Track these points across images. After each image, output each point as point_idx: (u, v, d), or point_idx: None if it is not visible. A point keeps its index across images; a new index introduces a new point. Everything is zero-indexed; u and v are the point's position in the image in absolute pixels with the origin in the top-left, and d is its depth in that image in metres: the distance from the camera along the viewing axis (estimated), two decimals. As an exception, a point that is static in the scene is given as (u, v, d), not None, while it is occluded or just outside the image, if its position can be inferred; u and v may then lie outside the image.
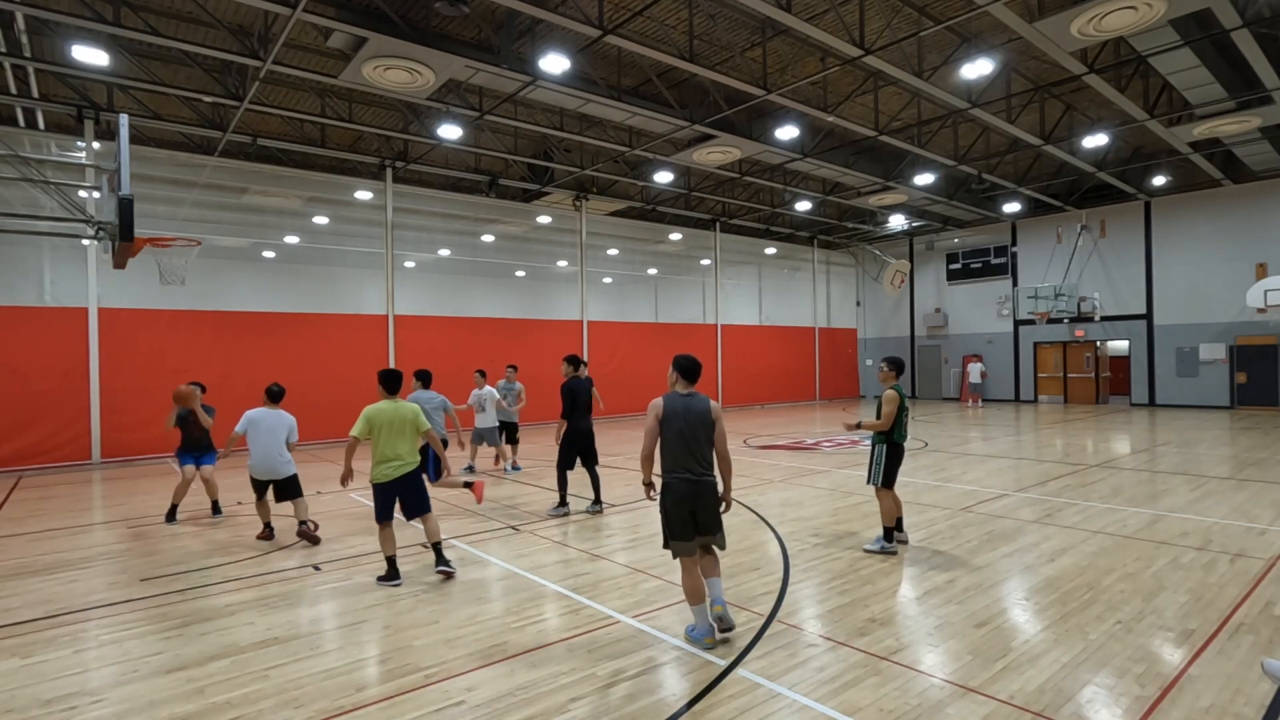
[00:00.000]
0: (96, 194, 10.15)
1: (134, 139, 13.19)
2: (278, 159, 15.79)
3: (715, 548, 4.40)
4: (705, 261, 24.45)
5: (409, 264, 17.75)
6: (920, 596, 5.04)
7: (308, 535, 6.88)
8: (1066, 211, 23.05)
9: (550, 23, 10.43)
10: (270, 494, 7.07)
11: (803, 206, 22.27)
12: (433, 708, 3.50)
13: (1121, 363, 24.19)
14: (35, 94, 12.07)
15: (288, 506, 7.55)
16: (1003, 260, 25.66)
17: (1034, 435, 15.25)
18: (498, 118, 13.77)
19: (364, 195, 16.95)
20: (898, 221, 25.24)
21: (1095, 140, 15.89)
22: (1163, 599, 4.87)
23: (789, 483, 9.82)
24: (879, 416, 6.28)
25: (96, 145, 13.02)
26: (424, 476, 5.98)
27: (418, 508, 5.77)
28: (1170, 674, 3.74)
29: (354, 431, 5.58)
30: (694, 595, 4.25)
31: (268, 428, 6.92)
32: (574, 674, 3.84)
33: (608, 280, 22.14)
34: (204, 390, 8.26)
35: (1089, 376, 23.78)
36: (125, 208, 6.16)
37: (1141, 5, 9.55)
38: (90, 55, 10.62)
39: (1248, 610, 4.63)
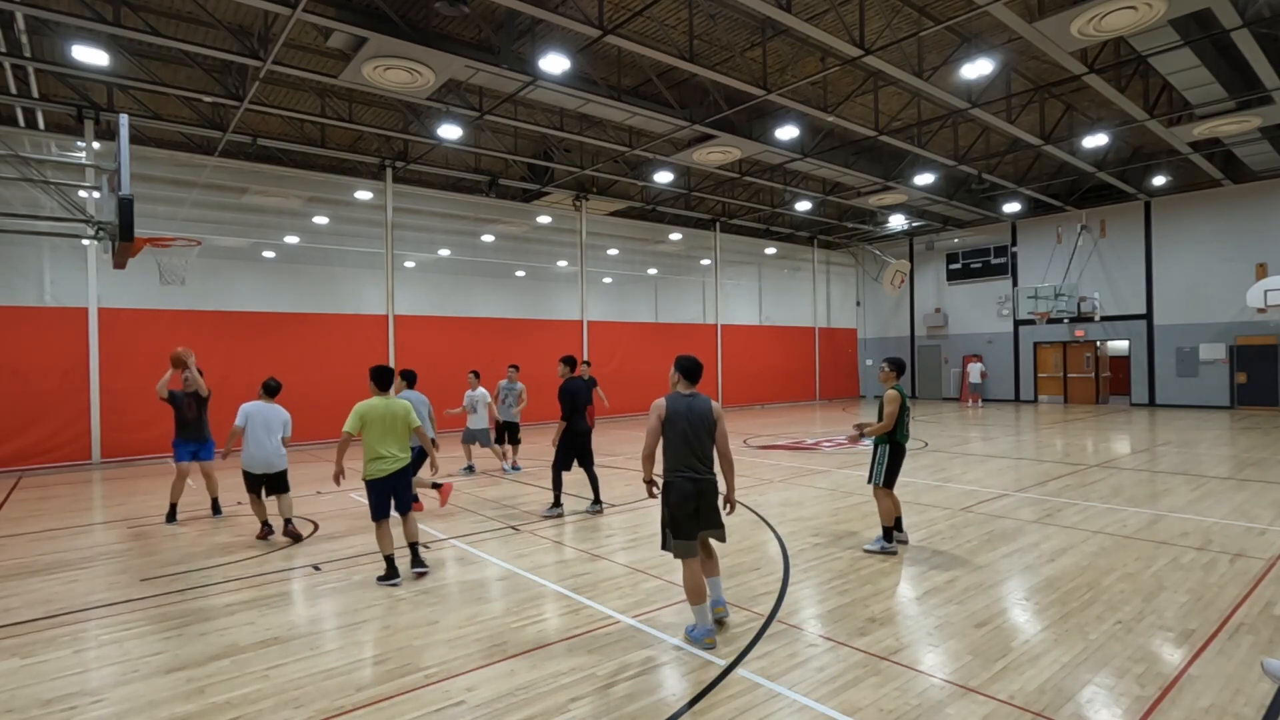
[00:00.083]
0: (96, 194, 10.15)
1: (134, 139, 13.19)
2: (278, 159, 15.80)
3: (715, 545, 4.48)
4: (705, 261, 24.45)
5: (409, 264, 17.75)
6: (920, 596, 5.04)
7: (293, 533, 6.95)
8: (1066, 211, 23.06)
9: (550, 23, 10.43)
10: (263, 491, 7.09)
11: (803, 206, 22.27)
12: (433, 708, 3.50)
13: (1121, 363, 24.20)
14: (35, 94, 12.07)
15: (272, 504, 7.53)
16: (1003, 260, 25.66)
17: (1034, 435, 15.25)
18: (498, 118, 13.77)
19: (364, 195, 16.95)
20: (898, 221, 25.24)
21: (1095, 140, 15.89)
22: (1163, 599, 4.87)
23: (789, 483, 9.82)
24: (881, 418, 6.28)
25: (96, 145, 13.02)
26: None
27: (405, 506, 5.80)
28: (1170, 674, 3.74)
29: (346, 428, 5.56)
30: (696, 594, 4.26)
31: (264, 421, 6.96)
32: (574, 674, 3.84)
33: (608, 280, 22.15)
34: (200, 374, 8.24)
35: (1089, 376, 23.78)
36: (125, 208, 6.16)
37: (1141, 5, 9.55)
38: (90, 55, 10.63)
39: (1248, 610, 4.63)
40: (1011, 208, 22.63)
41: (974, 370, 25.43)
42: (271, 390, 7.17)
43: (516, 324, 19.15)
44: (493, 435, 11.14)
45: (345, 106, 14.09)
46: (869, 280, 29.78)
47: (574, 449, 7.95)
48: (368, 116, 14.73)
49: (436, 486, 8.16)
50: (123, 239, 6.19)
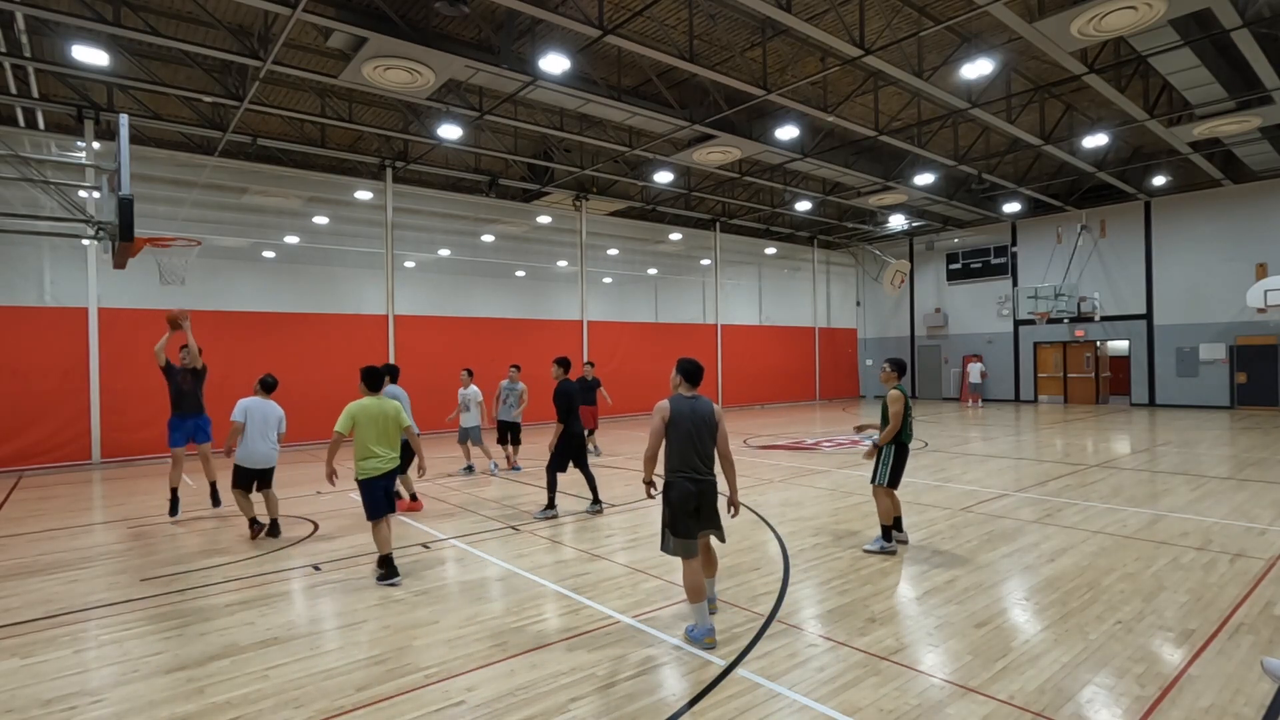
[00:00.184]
0: (96, 194, 10.15)
1: (134, 139, 13.19)
2: (278, 159, 15.80)
3: (715, 544, 4.55)
4: (705, 261, 24.45)
5: (409, 264, 17.75)
6: (920, 596, 5.04)
7: (276, 530, 7.07)
8: (1066, 211, 23.05)
9: (550, 23, 10.43)
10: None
11: (803, 206, 22.27)
12: (433, 708, 3.50)
13: (1121, 363, 24.20)
14: (35, 94, 12.07)
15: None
16: (1003, 260, 25.66)
17: (1034, 435, 15.25)
18: (498, 118, 13.77)
19: (364, 195, 16.95)
20: (898, 221, 25.24)
21: (1095, 140, 15.89)
22: (1163, 599, 4.87)
23: (789, 483, 9.82)
24: (885, 419, 6.27)
25: (96, 145, 13.02)
26: None
27: (391, 506, 5.81)
28: (1170, 674, 3.74)
29: (338, 428, 5.57)
30: (695, 593, 4.29)
31: (262, 417, 7.00)
32: (574, 674, 3.84)
33: (608, 280, 22.15)
34: (200, 352, 8.22)
35: (1089, 376, 23.78)
36: (125, 208, 6.16)
37: (1141, 5, 9.55)
38: (90, 55, 10.62)
39: (1248, 610, 4.63)
40: (1011, 208, 22.63)
41: (974, 370, 25.43)
42: (269, 386, 7.18)
43: (516, 324, 19.15)
44: (495, 435, 11.13)
45: (345, 106, 14.09)
46: (869, 280, 29.78)
47: (569, 451, 7.95)
48: (368, 116, 14.73)
49: (414, 498, 8.27)
50: (123, 239, 6.19)
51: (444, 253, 18.70)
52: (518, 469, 11.29)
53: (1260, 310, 18.61)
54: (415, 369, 16.79)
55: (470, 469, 11.19)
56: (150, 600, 5.24)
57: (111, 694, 3.72)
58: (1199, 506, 7.84)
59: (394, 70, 11.11)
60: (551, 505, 7.89)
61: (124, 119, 6.52)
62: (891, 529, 6.30)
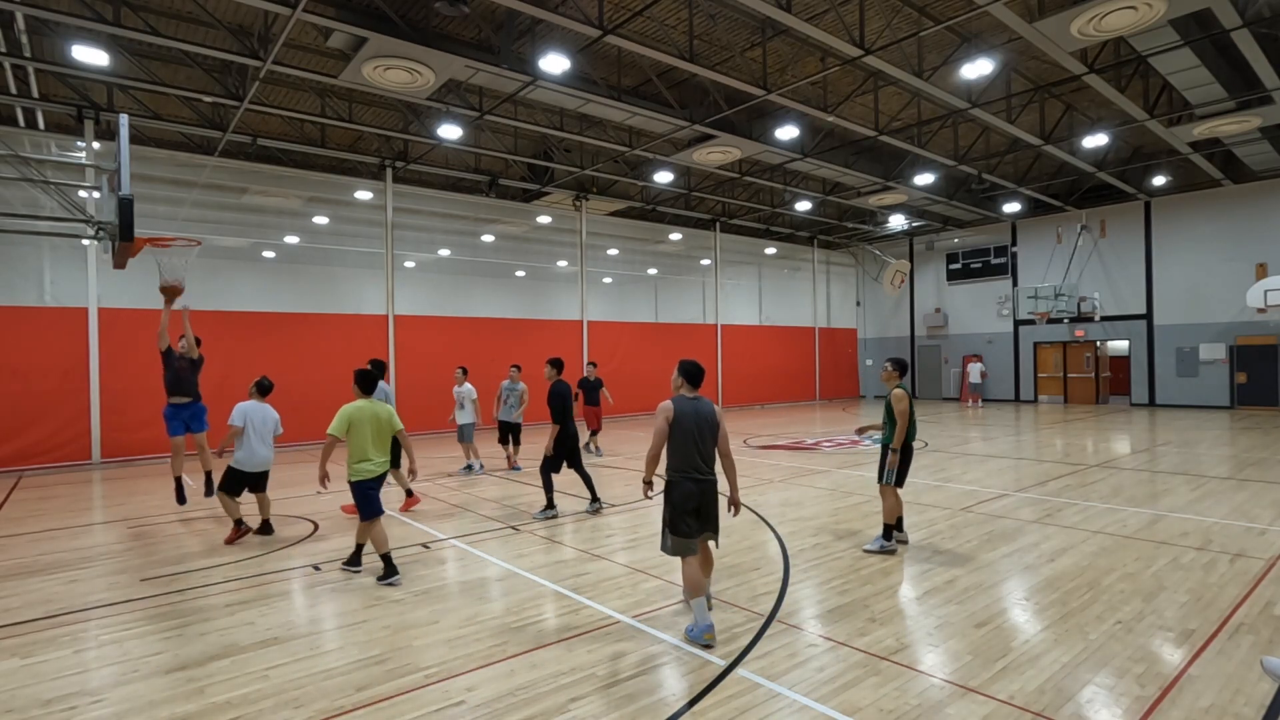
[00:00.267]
0: (96, 194, 10.14)
1: (134, 139, 13.20)
2: (278, 159, 15.79)
3: (711, 546, 4.63)
4: (705, 261, 24.44)
5: (409, 264, 17.75)
6: (920, 596, 5.04)
7: (269, 529, 7.11)
8: (1066, 211, 23.05)
9: (550, 23, 10.43)
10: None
11: (803, 206, 22.27)
12: (433, 708, 3.50)
13: (1121, 363, 24.20)
14: (35, 94, 12.07)
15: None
16: (1003, 260, 25.66)
17: (1034, 435, 15.25)
18: (498, 118, 13.77)
19: (364, 195, 16.95)
20: (898, 221, 25.24)
21: (1095, 140, 15.89)
22: (1163, 599, 4.87)
23: (789, 483, 9.82)
24: (890, 420, 6.27)
25: (96, 145, 13.02)
26: None
27: (381, 507, 5.85)
28: (1170, 674, 3.74)
29: (333, 430, 5.56)
30: (695, 588, 4.34)
31: (260, 421, 6.99)
32: (574, 674, 3.84)
33: (608, 280, 22.15)
34: (198, 342, 8.16)
35: (1089, 376, 23.78)
36: (125, 208, 6.15)
37: (1141, 5, 9.55)
38: (90, 55, 10.63)
39: (1248, 610, 4.63)
40: (1011, 208, 22.63)
41: (974, 370, 25.43)
42: (266, 390, 7.17)
43: (516, 324, 19.15)
44: (495, 435, 11.12)
45: (345, 106, 14.08)
46: (869, 280, 29.78)
47: (564, 451, 7.94)
48: (368, 116, 14.73)
49: (409, 494, 8.27)
50: (123, 239, 6.17)
51: (444, 253, 18.70)
52: (518, 469, 11.29)
53: (1260, 310, 18.61)
54: (415, 369, 16.83)
55: (470, 468, 11.20)
56: (150, 600, 5.24)
57: (111, 694, 3.72)
58: (1199, 506, 7.84)
59: (394, 70, 11.11)
60: (551, 505, 7.88)
61: (124, 119, 6.51)
62: (894, 529, 6.31)
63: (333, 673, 3.92)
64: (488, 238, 19.61)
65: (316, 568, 6.02)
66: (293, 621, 4.76)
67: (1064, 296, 22.36)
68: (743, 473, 10.49)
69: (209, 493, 8.12)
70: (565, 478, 9.01)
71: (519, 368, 11.42)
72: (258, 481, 7.06)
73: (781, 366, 26.49)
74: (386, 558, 5.60)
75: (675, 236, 23.74)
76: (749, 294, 26.16)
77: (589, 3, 10.32)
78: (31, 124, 13.30)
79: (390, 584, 5.49)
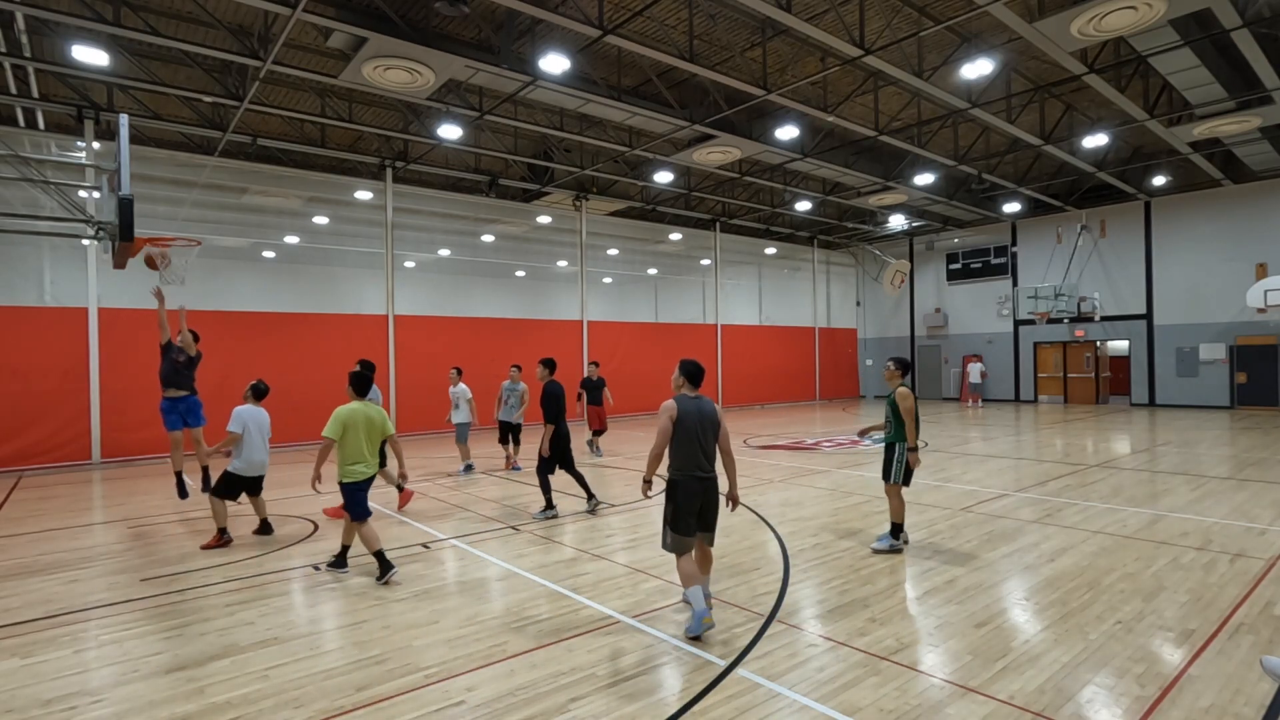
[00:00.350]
0: (96, 194, 10.14)
1: (134, 139, 13.20)
2: (278, 159, 15.79)
3: (708, 546, 4.71)
4: (705, 261, 24.45)
5: (409, 264, 17.75)
6: (920, 596, 5.04)
7: (268, 529, 7.13)
8: (1066, 211, 23.06)
9: (550, 23, 10.43)
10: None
11: (803, 206, 22.27)
12: (433, 708, 3.50)
13: (1121, 363, 24.20)
14: (35, 94, 12.07)
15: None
16: (1003, 260, 25.66)
17: (1034, 435, 15.25)
18: (498, 118, 13.77)
19: (364, 195, 16.95)
20: (898, 221, 25.24)
21: (1095, 140, 15.89)
22: (1163, 599, 4.87)
23: (789, 483, 9.82)
24: (894, 419, 6.26)
25: (96, 145, 13.02)
26: None
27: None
28: (1170, 674, 3.74)
29: (329, 433, 5.58)
30: (690, 578, 4.43)
31: (258, 425, 6.98)
32: (574, 674, 3.84)
33: (608, 280, 22.15)
34: (196, 339, 8.12)
35: (1089, 376, 23.78)
36: (125, 208, 6.15)
37: (1141, 5, 9.55)
38: (90, 55, 10.63)
39: (1248, 610, 4.63)
40: (1011, 208, 22.63)
41: (974, 370, 25.43)
42: (261, 394, 7.15)
43: (516, 324, 19.15)
44: (495, 436, 11.11)
45: (345, 106, 14.09)
46: (869, 280, 29.78)
47: (560, 450, 7.92)
48: (368, 116, 14.73)
49: (399, 488, 8.25)
50: (123, 239, 6.17)
51: (444, 253, 18.70)
52: (517, 469, 11.29)
53: (1260, 310, 18.61)
54: (415, 369, 16.82)
55: (470, 468, 11.21)
56: (150, 600, 5.24)
57: (111, 694, 3.72)
58: (1199, 506, 7.84)
59: (394, 70, 11.11)
60: (550, 506, 7.87)
61: (124, 119, 6.51)
62: (901, 527, 6.32)
63: (333, 673, 3.92)
64: (488, 238, 19.61)
65: (316, 568, 6.02)
66: (292, 621, 4.76)
67: (1064, 296, 22.36)
68: (743, 473, 10.49)
69: (206, 487, 8.08)
70: (562, 478, 9.01)
71: (519, 368, 11.39)
72: (254, 485, 7.04)
73: (781, 366, 26.49)
74: (380, 555, 5.61)
75: (675, 236, 23.74)
76: (749, 294, 26.16)
77: (589, 3, 10.32)
78: (31, 124, 13.30)
79: (389, 580, 5.49)
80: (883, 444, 6.48)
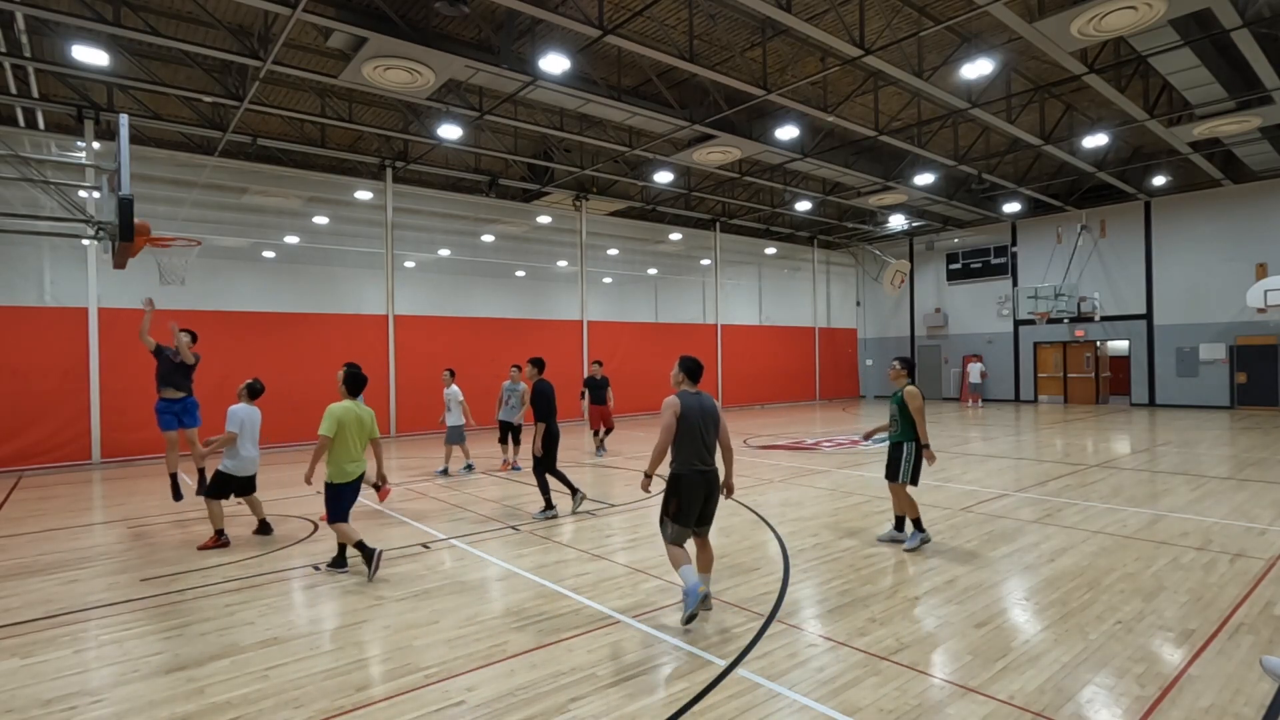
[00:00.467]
0: (96, 194, 10.14)
1: (134, 139, 13.20)
2: (278, 159, 15.80)
3: (706, 539, 4.80)
4: (705, 261, 24.45)
5: (409, 264, 17.75)
6: (920, 596, 5.04)
7: (268, 529, 7.14)
8: (1066, 211, 23.06)
9: (550, 23, 10.43)
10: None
11: (803, 206, 22.27)
12: (433, 708, 3.50)
13: (1121, 363, 24.20)
14: (35, 94, 12.07)
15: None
16: (1003, 260, 25.66)
17: (1034, 435, 15.25)
18: (498, 118, 13.77)
19: (364, 195, 16.95)
20: (898, 221, 25.24)
21: (1095, 140, 15.89)
22: (1163, 599, 4.87)
23: (789, 483, 9.82)
24: (904, 419, 6.27)
25: (96, 145, 13.02)
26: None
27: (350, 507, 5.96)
28: (1170, 674, 3.74)
29: (325, 431, 5.64)
30: (679, 560, 4.55)
31: (253, 425, 6.97)
32: (574, 674, 3.84)
33: (608, 280, 22.15)
34: (194, 339, 8.10)
35: (1089, 376, 23.78)
36: (125, 208, 6.15)
37: (1141, 5, 9.55)
38: (90, 55, 10.63)
39: (1248, 610, 4.63)
40: (1011, 208, 22.63)
41: (974, 370, 25.43)
42: (257, 393, 7.11)
43: (516, 324, 19.14)
44: (494, 435, 11.11)
45: (345, 106, 14.09)
46: (869, 280, 29.78)
47: (553, 449, 7.91)
48: (368, 116, 14.73)
49: (377, 487, 8.23)
50: (123, 239, 6.18)
51: (444, 253, 18.70)
52: (517, 469, 11.29)
53: (1260, 310, 18.61)
54: (415, 369, 16.82)
55: (470, 467, 11.21)
56: (150, 600, 5.24)
57: (111, 694, 3.72)
58: (1199, 506, 7.84)
59: (394, 70, 11.11)
60: (550, 505, 7.87)
61: (124, 119, 6.51)
62: (918, 521, 6.32)
63: (333, 673, 3.92)
64: (488, 238, 19.61)
65: (316, 568, 6.02)
66: (292, 621, 4.76)
67: (1064, 296, 22.37)
68: (743, 473, 10.50)
69: (202, 490, 8.05)
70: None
71: (520, 368, 11.33)
72: (246, 485, 7.00)
73: (781, 366, 26.49)
74: (361, 545, 5.70)
75: (675, 236, 23.74)
76: (749, 294, 26.16)
77: (589, 3, 10.32)
78: (31, 124, 13.30)
79: (377, 564, 5.63)
80: (886, 444, 6.48)
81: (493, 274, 19.53)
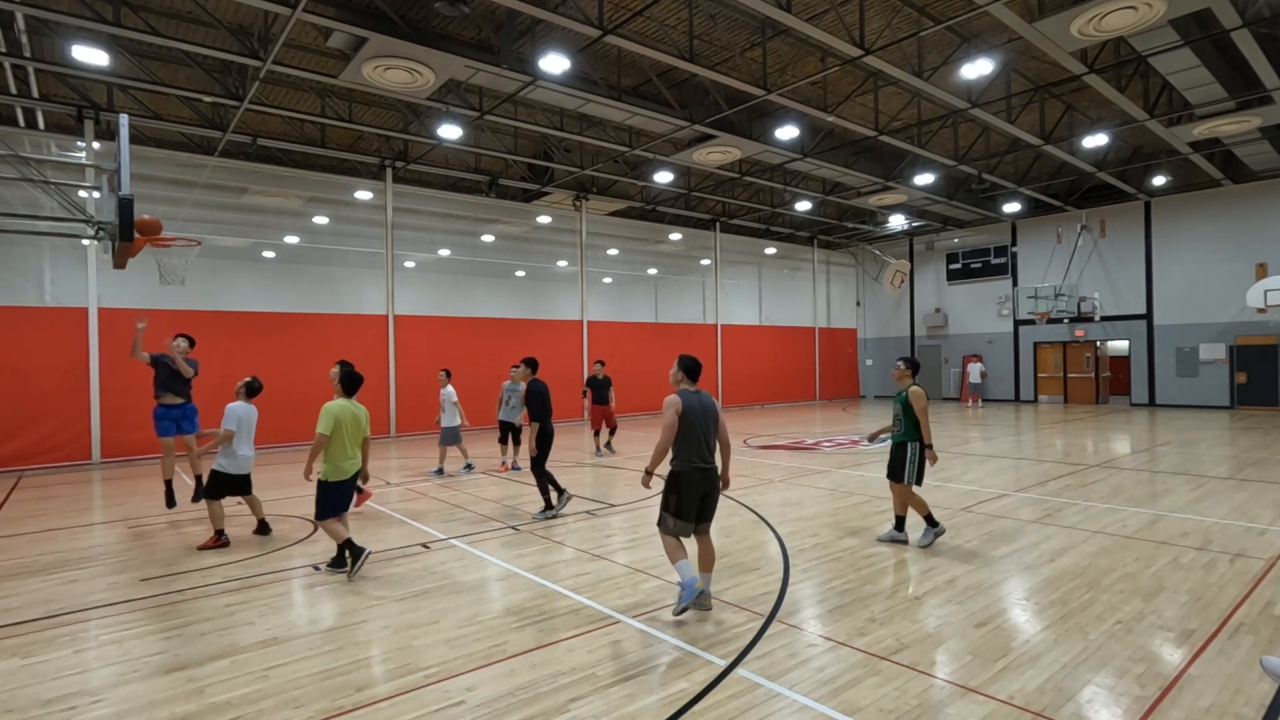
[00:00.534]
0: (96, 194, 10.15)
1: (134, 139, 13.20)
2: (278, 159, 15.80)
3: (706, 536, 4.84)
4: (705, 261, 24.45)
5: (409, 264, 17.75)
6: (920, 596, 5.04)
7: (267, 529, 7.15)
8: (1066, 211, 23.06)
9: (550, 23, 10.43)
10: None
11: (803, 206, 22.27)
12: (433, 708, 3.50)
13: (1121, 363, 24.20)
14: (35, 94, 12.07)
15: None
16: (1003, 260, 25.66)
17: (1034, 435, 15.25)
18: (498, 118, 13.77)
19: (364, 195, 16.95)
20: (898, 221, 25.24)
21: (1095, 140, 15.89)
22: (1163, 599, 4.87)
23: (789, 483, 9.82)
24: (909, 419, 6.28)
25: (96, 145, 13.02)
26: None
27: (348, 503, 5.98)
28: (1170, 674, 3.74)
29: (323, 429, 5.65)
30: (677, 552, 4.63)
31: (250, 424, 6.95)
32: (574, 674, 3.84)
33: (608, 280, 22.15)
34: (192, 344, 8.07)
35: (1089, 376, 23.78)
36: (125, 208, 6.15)
37: (1141, 5, 9.55)
38: (90, 55, 10.63)
39: (1248, 610, 4.63)
40: (1011, 208, 22.63)
41: (974, 370, 25.43)
42: (255, 392, 7.10)
43: (516, 324, 19.14)
44: (495, 435, 11.10)
45: (345, 106, 14.09)
46: (869, 280, 29.78)
47: (548, 448, 7.90)
48: (368, 116, 14.73)
49: (359, 489, 8.23)
50: (123, 239, 6.18)
51: (444, 253, 18.70)
52: (517, 469, 11.29)
53: (1260, 310, 18.61)
54: (415, 369, 16.82)
55: (469, 467, 11.21)
56: (150, 600, 5.24)
57: (111, 694, 3.72)
58: (1199, 506, 7.84)
59: (394, 70, 11.11)
60: (550, 505, 7.87)
61: (124, 119, 6.51)
62: (896, 528, 6.34)
63: (333, 673, 3.92)
64: (488, 238, 19.61)
65: (316, 568, 6.02)
66: (292, 621, 4.76)
67: (1064, 296, 22.37)
68: (743, 472, 10.50)
69: (197, 498, 8.04)
70: (563, 479, 9.02)
71: (520, 367, 11.34)
72: (243, 484, 6.98)
73: (781, 366, 26.49)
74: (349, 543, 5.74)
75: (675, 236, 23.74)
76: (749, 294, 26.16)
77: (589, 3, 10.32)
78: (31, 124, 13.30)
79: (363, 561, 5.67)
80: (888, 444, 6.48)
81: (493, 274, 19.53)
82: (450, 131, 14.30)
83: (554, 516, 7.80)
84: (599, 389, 13.15)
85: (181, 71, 12.29)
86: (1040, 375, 24.83)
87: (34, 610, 5.08)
